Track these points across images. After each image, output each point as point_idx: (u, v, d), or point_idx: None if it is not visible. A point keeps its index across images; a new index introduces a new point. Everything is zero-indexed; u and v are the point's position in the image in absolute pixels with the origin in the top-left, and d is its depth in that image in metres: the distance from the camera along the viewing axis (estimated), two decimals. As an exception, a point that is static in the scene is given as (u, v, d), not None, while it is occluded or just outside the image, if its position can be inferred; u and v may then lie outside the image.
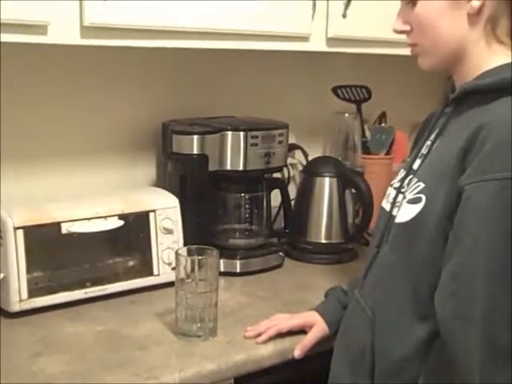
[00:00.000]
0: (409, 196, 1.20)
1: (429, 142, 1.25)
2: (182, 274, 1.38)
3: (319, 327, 1.43)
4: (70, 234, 1.51)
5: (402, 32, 1.24)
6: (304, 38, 1.73)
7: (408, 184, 1.23)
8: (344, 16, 1.76)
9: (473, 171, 1.07)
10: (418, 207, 1.16)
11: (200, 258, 1.39)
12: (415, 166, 1.25)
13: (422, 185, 1.18)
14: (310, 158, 2.13)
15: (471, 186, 1.07)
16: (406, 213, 1.19)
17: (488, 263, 1.05)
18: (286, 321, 1.44)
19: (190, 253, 1.41)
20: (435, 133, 1.24)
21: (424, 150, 1.25)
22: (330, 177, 1.94)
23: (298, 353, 1.40)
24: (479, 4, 1.15)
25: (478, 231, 1.06)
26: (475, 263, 1.06)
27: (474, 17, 1.16)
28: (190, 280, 1.38)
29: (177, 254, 1.40)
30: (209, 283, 1.38)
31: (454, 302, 1.08)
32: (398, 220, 1.21)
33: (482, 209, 1.06)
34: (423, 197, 1.16)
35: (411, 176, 1.23)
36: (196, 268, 1.38)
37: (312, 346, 1.41)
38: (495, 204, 1.04)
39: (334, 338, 1.37)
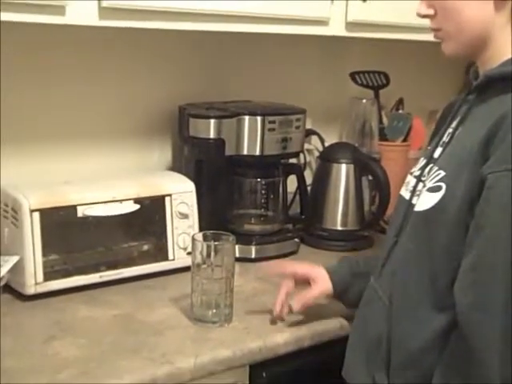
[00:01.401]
0: (429, 184, 1.18)
1: (450, 130, 1.23)
2: (198, 260, 1.37)
3: (324, 284, 1.41)
4: (86, 218, 1.51)
5: (425, 16, 1.22)
6: (323, 22, 1.71)
7: (428, 172, 1.21)
8: (364, 0, 1.73)
9: (496, 160, 1.06)
10: (438, 195, 1.15)
11: (216, 243, 1.38)
12: (436, 154, 1.23)
13: (442, 173, 1.16)
14: (326, 144, 2.12)
15: (494, 175, 1.05)
16: (425, 201, 1.17)
17: (509, 253, 1.03)
18: (291, 265, 1.48)
19: (205, 238, 1.40)
20: (457, 120, 1.22)
21: (445, 138, 1.23)
22: (347, 163, 1.93)
23: (297, 306, 1.38)
24: (506, -12, 1.13)
25: (500, 220, 1.05)
26: (496, 253, 1.04)
27: (500, 1, 1.14)
28: (205, 266, 1.37)
29: (193, 239, 1.39)
30: (225, 269, 1.38)
31: (474, 293, 1.06)
32: (417, 208, 1.20)
33: (504, 198, 1.04)
34: (443, 185, 1.14)
35: (432, 164, 1.21)
36: (212, 254, 1.37)
37: (312, 302, 1.40)
38: (518, 194, 1.03)
39: (334, 301, 1.39)
